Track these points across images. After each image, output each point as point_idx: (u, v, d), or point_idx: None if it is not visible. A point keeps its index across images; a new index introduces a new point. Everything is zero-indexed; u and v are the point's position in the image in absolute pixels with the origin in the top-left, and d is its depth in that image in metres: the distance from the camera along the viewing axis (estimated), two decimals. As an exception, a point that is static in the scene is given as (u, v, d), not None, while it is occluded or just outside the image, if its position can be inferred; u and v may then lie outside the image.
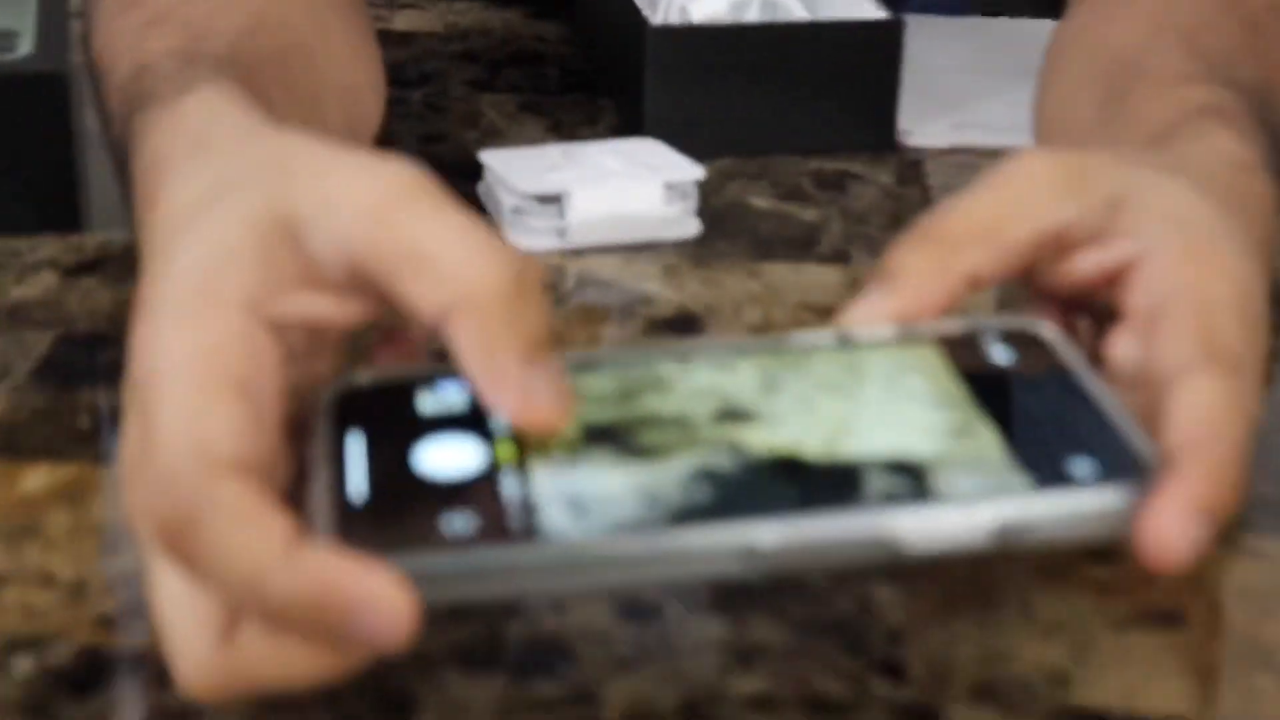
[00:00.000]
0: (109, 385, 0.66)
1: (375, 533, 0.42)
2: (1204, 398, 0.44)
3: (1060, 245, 0.50)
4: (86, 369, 0.68)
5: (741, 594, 0.55)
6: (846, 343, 0.49)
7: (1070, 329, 0.52)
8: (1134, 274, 0.49)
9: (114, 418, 0.64)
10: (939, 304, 0.49)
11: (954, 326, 0.49)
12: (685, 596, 0.54)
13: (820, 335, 0.49)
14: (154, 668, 0.50)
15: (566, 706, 0.50)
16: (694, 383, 0.47)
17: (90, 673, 0.51)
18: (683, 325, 0.71)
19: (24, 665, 0.51)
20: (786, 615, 0.54)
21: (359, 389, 0.47)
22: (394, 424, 0.46)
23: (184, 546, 0.41)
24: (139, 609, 0.52)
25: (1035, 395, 0.46)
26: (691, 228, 0.79)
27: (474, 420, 0.46)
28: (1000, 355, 0.48)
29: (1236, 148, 0.57)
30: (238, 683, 0.43)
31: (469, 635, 0.53)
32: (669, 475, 0.44)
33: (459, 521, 0.42)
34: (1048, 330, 0.49)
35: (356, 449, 0.45)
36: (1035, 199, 0.50)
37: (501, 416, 0.44)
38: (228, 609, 0.43)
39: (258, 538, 0.40)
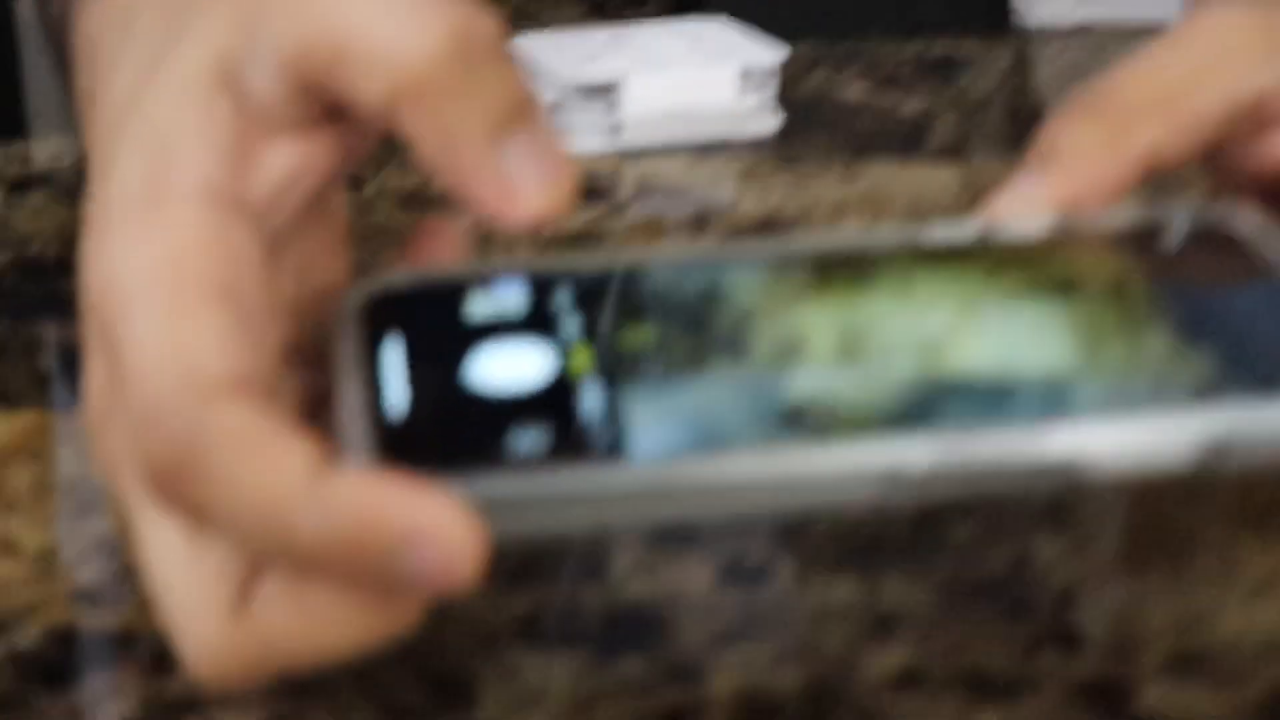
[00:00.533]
0: (67, 317, 0.65)
1: (424, 452, 0.38)
2: None
3: (1259, 118, 0.48)
4: (41, 299, 0.66)
5: (873, 550, 0.52)
6: (993, 237, 0.46)
7: (1271, 221, 0.49)
8: None
9: (75, 355, 0.62)
10: (1110, 188, 0.47)
11: (1129, 217, 0.47)
12: (804, 553, 0.51)
13: (960, 228, 0.46)
14: (147, 648, 0.47)
15: (662, 688, 0.47)
16: (806, 282, 0.44)
17: (65, 657, 0.49)
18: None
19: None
20: (930, 576, 0.51)
21: (394, 292, 0.44)
22: (441, 331, 0.42)
23: (183, 489, 0.38)
24: (123, 579, 0.49)
25: (1234, 299, 0.44)
26: (770, 123, 0.77)
27: (539, 324, 0.43)
28: (1188, 252, 0.46)
29: None
30: (257, 660, 0.40)
31: (535, 605, 0.50)
32: (787, 386, 0.41)
33: (528, 438, 0.39)
34: (1246, 220, 0.46)
35: (395, 360, 0.41)
36: (1227, 61, 0.48)
37: (482, 212, 0.41)
38: (242, 566, 0.40)
39: (275, 466, 0.37)
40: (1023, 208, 0.47)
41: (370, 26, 0.41)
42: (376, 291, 0.43)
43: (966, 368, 0.42)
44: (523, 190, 0.41)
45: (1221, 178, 0.50)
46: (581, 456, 0.39)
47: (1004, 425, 0.40)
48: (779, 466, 0.39)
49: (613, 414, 0.40)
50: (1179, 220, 0.46)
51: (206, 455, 0.38)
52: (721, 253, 0.45)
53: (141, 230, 0.41)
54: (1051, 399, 0.41)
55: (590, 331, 0.42)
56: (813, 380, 0.41)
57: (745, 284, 0.44)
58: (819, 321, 0.43)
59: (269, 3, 0.42)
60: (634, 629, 0.50)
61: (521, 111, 0.41)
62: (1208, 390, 0.41)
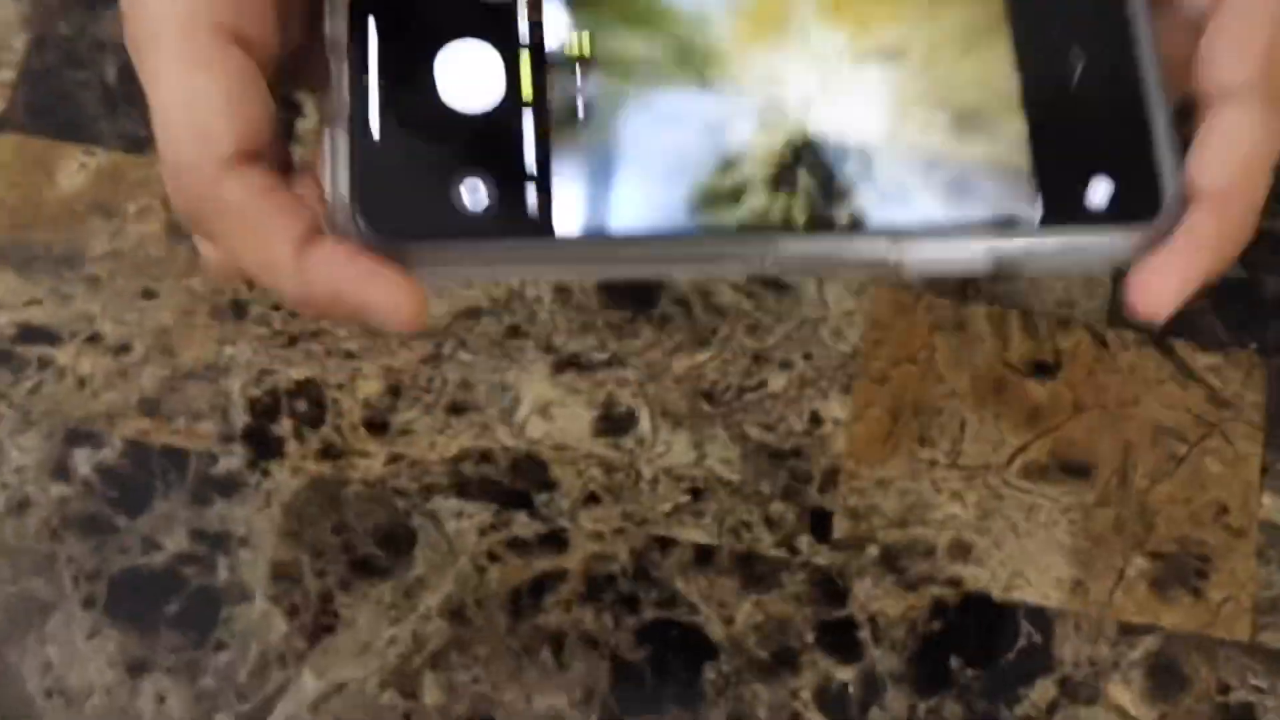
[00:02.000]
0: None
1: (390, 205, 0.42)
2: (1242, 140, 0.44)
3: None
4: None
5: (705, 416, 0.68)
6: None
7: None
8: None
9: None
10: None
11: None
12: (659, 408, 0.68)
13: None
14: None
15: (536, 559, 0.67)
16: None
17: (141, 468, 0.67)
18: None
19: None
20: (746, 438, 0.68)
21: None
22: (417, 24, 0.45)
23: (202, 230, 0.44)
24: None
25: (1078, 52, 0.46)
26: None
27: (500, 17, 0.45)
28: None
29: None
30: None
31: (462, 453, 0.67)
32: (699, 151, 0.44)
33: (473, 192, 0.43)
34: None
35: (374, 65, 0.44)
36: None
37: None
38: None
39: (268, 241, 0.42)
40: None
41: None
42: None
43: (827, 134, 0.45)
44: None
45: None
46: (512, 219, 0.43)
47: (848, 234, 0.44)
48: (673, 249, 0.43)
49: (543, 160, 0.43)
50: None
51: (218, 218, 0.43)
52: None
53: None
54: (889, 187, 0.44)
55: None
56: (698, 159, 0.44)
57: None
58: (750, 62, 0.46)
59: None
60: (526, 483, 0.68)
61: None
62: (1014, 198, 0.44)
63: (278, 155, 0.44)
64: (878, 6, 0.46)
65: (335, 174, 0.42)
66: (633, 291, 0.72)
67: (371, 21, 0.44)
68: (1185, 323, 0.72)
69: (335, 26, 0.44)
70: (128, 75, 0.74)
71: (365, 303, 0.42)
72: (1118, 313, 0.72)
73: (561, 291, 0.71)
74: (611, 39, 0.45)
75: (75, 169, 0.72)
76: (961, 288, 0.72)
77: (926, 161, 0.44)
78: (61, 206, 0.72)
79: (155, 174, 0.73)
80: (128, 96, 0.74)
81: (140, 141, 0.73)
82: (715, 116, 0.45)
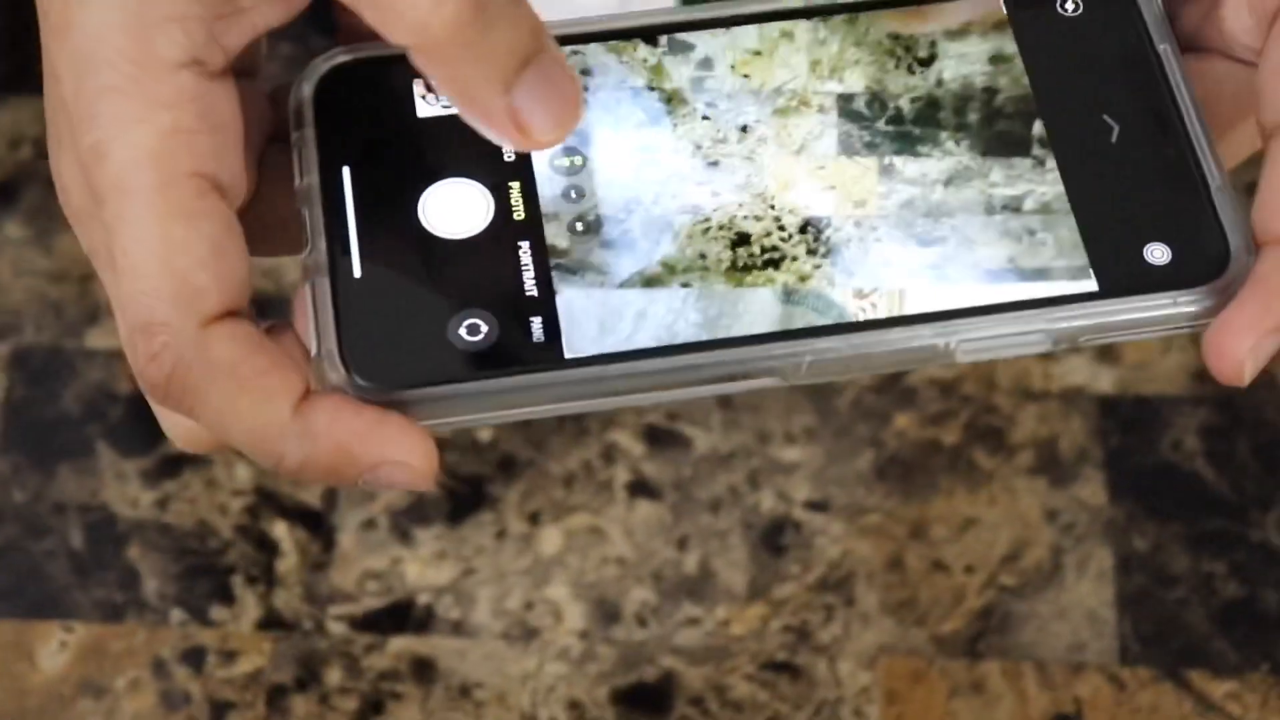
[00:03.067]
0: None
1: (384, 353, 0.41)
2: None
3: None
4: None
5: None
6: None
7: None
8: None
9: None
10: None
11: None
12: None
13: None
14: None
15: None
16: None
17: None
18: None
19: None
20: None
21: (341, 87, 0.44)
22: (394, 162, 0.43)
23: (178, 400, 0.41)
24: None
25: (1113, 115, 0.44)
26: None
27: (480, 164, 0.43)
28: (1068, 22, 0.46)
29: None
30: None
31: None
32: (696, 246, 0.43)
33: (471, 328, 0.41)
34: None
35: (351, 210, 0.43)
36: None
37: (500, 143, 0.41)
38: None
39: (266, 401, 0.40)
40: None
41: None
42: (322, 89, 0.44)
43: (840, 221, 0.44)
44: (535, 125, 0.40)
45: None
46: (519, 352, 0.41)
47: (886, 326, 0.42)
48: (690, 364, 0.41)
49: (545, 289, 0.42)
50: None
51: (203, 382, 0.40)
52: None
53: (131, 106, 0.40)
54: (926, 280, 0.43)
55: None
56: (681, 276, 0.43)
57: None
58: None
59: None
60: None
61: (532, 52, 0.40)
62: (1066, 271, 0.42)
63: (250, 314, 0.41)
64: (892, 79, 0.45)
65: (320, 326, 0.41)
66: (645, 698, 0.71)
67: (346, 168, 0.42)
68: (1196, 651, 0.72)
69: (306, 175, 0.42)
70: (96, 536, 0.73)
71: (380, 458, 0.40)
72: (1129, 649, 0.72)
73: (573, 706, 0.70)
74: (604, 145, 0.44)
75: (55, 648, 0.71)
76: (970, 643, 0.72)
77: (972, 240, 0.43)
78: (47, 692, 0.71)
79: (140, 642, 0.72)
80: (99, 560, 0.73)
81: (119, 609, 0.72)
82: (731, 212, 0.43)
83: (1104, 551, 0.73)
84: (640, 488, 0.74)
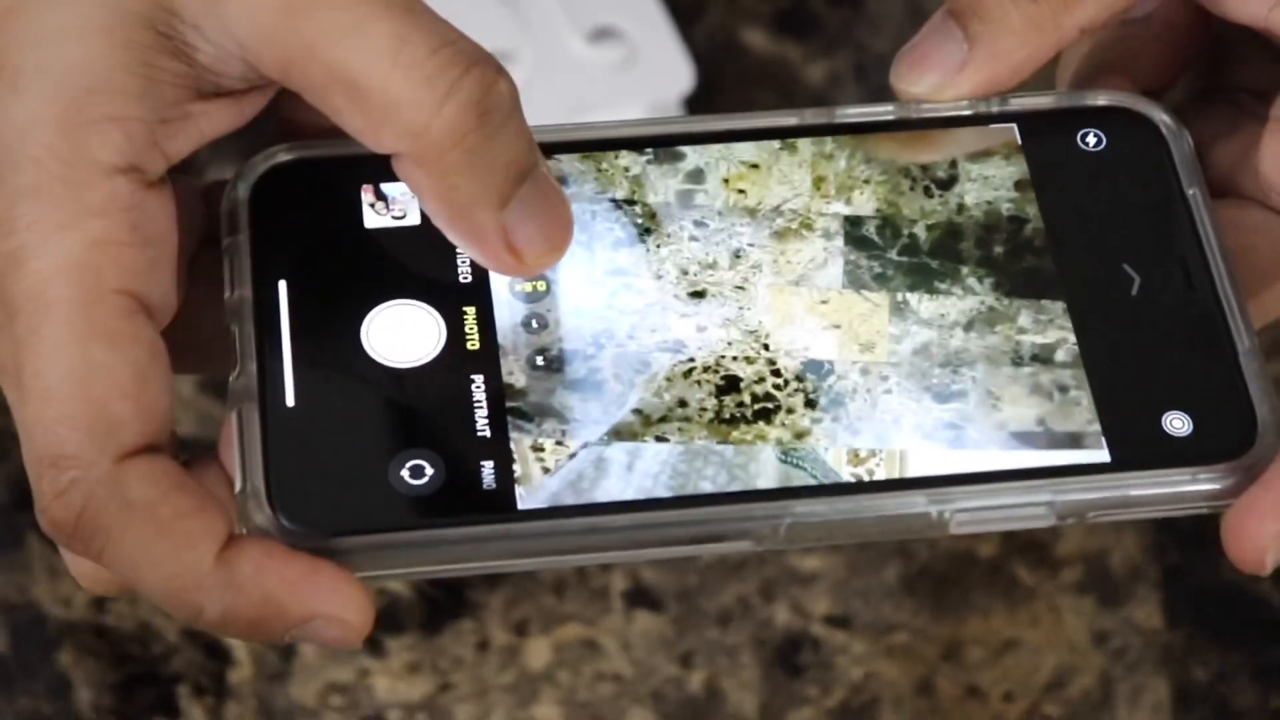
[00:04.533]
0: None
1: (316, 494, 0.39)
2: None
3: None
4: None
5: None
6: (857, 148, 0.43)
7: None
8: None
9: None
10: (1030, 68, 0.44)
11: (1027, 104, 0.44)
12: None
13: (806, 117, 0.44)
14: None
15: None
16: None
17: None
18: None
19: None
20: None
21: (281, 189, 0.42)
22: (339, 280, 0.41)
23: (86, 542, 0.39)
24: None
25: (1133, 269, 0.43)
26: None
27: (433, 257, 0.42)
28: (1087, 158, 0.44)
29: None
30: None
31: None
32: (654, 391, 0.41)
33: (416, 470, 0.40)
34: (1159, 116, 0.44)
35: (286, 330, 0.41)
36: None
37: (485, 265, 0.41)
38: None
39: (184, 546, 0.38)
40: (923, 88, 0.44)
41: (388, 79, 0.38)
42: (255, 203, 0.42)
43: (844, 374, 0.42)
44: (526, 250, 0.40)
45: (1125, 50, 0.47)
46: (468, 500, 0.39)
47: (879, 491, 0.40)
48: (656, 522, 0.40)
49: (500, 431, 0.40)
50: (1080, 114, 0.45)
51: (115, 525, 0.38)
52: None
53: (57, 210, 0.38)
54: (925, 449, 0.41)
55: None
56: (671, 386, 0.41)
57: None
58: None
59: None
60: None
61: (526, 171, 0.40)
62: (1076, 439, 0.41)
63: (171, 445, 0.39)
64: (891, 226, 0.43)
65: (246, 460, 0.39)
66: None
67: (282, 282, 0.41)
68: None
69: (238, 287, 0.40)
70: (23, 638, 0.69)
71: (311, 611, 0.38)
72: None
73: None
74: (572, 267, 0.42)
75: None
76: None
77: (970, 401, 0.41)
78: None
79: None
80: (25, 667, 0.68)
81: None
82: (718, 351, 0.41)
83: (1160, 681, 0.69)
84: (640, 597, 0.70)
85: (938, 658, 0.69)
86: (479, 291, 0.41)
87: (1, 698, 0.68)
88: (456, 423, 0.40)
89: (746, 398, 0.41)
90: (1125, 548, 0.71)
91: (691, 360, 0.41)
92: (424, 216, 0.40)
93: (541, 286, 0.42)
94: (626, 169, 0.43)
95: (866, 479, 0.40)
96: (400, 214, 0.42)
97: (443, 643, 0.69)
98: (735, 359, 0.41)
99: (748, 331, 0.41)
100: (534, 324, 0.41)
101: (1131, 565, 0.71)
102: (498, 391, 0.40)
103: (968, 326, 0.42)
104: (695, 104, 0.75)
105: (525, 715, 0.68)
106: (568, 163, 0.43)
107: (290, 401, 0.40)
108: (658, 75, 0.74)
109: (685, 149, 0.43)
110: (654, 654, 0.69)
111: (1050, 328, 0.42)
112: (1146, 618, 0.70)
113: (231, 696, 0.68)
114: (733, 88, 0.78)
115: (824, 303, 0.42)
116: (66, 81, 0.39)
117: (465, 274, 0.42)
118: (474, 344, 0.41)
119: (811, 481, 0.40)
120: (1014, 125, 0.44)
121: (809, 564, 0.71)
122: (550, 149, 0.43)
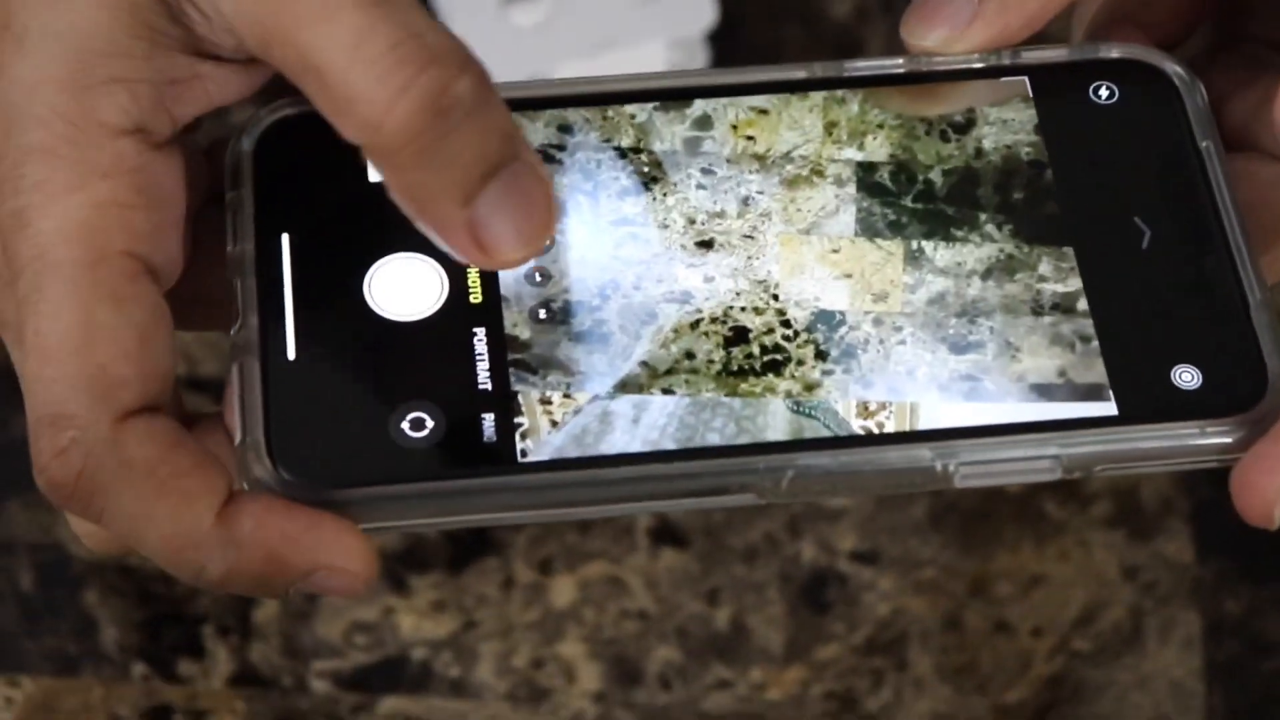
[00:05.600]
0: None
1: (316, 447, 0.39)
2: None
3: None
4: None
5: None
6: (865, 104, 0.43)
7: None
8: None
9: None
10: (1038, 22, 0.43)
11: (1039, 57, 0.44)
12: None
13: (814, 70, 0.44)
14: None
15: None
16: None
17: None
18: None
19: None
20: None
21: (285, 144, 0.42)
22: (335, 217, 0.42)
23: (85, 502, 0.38)
24: None
25: (1144, 222, 0.42)
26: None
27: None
28: (1099, 111, 0.43)
29: None
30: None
31: None
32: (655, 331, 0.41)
33: (417, 423, 0.39)
34: (1172, 69, 0.44)
35: (289, 283, 0.41)
36: None
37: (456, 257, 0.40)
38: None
39: (185, 504, 0.38)
40: (928, 39, 0.44)
41: (348, 72, 0.37)
42: (256, 167, 0.42)
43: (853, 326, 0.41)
44: (496, 245, 0.39)
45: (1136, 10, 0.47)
46: (468, 452, 0.39)
47: (882, 443, 0.40)
48: (657, 475, 0.39)
49: (502, 382, 0.40)
50: (1092, 67, 0.44)
51: (115, 484, 0.38)
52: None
53: (63, 171, 0.38)
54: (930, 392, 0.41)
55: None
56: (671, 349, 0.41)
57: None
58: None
59: None
60: None
61: (501, 161, 0.38)
62: (1083, 391, 0.41)
63: (174, 405, 0.39)
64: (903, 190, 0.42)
65: (246, 413, 0.39)
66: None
67: (285, 235, 0.41)
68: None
69: (241, 241, 0.41)
70: (48, 578, 0.69)
71: (314, 563, 0.38)
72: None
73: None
74: (577, 217, 0.42)
75: (1, 705, 0.67)
76: (1039, 715, 0.67)
77: (987, 352, 0.41)
78: (-11, 758, 0.68)
79: (97, 699, 0.67)
80: (51, 606, 0.69)
81: (73, 661, 0.68)
82: (726, 302, 0.41)
83: (1191, 615, 0.69)
84: (665, 534, 0.70)
85: (966, 593, 0.69)
86: None
87: (28, 637, 0.68)
88: (458, 376, 0.40)
89: (755, 349, 0.40)
90: (1156, 481, 0.71)
91: (699, 311, 0.41)
92: None
93: None
94: (633, 116, 0.43)
95: (876, 432, 0.40)
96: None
97: (467, 581, 0.69)
98: (744, 310, 0.41)
99: (756, 282, 0.41)
100: (537, 276, 0.41)
101: (1162, 499, 0.70)
102: (500, 344, 0.40)
103: (985, 275, 0.41)
104: (718, 39, 0.75)
105: (550, 653, 0.68)
106: (572, 110, 0.43)
107: (291, 355, 0.40)
108: (680, 11, 0.74)
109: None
110: (679, 591, 0.69)
111: (1071, 275, 0.41)
112: (1177, 551, 0.69)
113: (256, 635, 0.68)
114: (756, 23, 0.78)
115: (835, 251, 0.42)
116: (73, 43, 0.39)
117: None
118: (476, 297, 0.41)
119: (825, 432, 0.39)
120: (1025, 78, 0.43)
121: (835, 500, 0.70)
122: (551, 103, 0.42)
